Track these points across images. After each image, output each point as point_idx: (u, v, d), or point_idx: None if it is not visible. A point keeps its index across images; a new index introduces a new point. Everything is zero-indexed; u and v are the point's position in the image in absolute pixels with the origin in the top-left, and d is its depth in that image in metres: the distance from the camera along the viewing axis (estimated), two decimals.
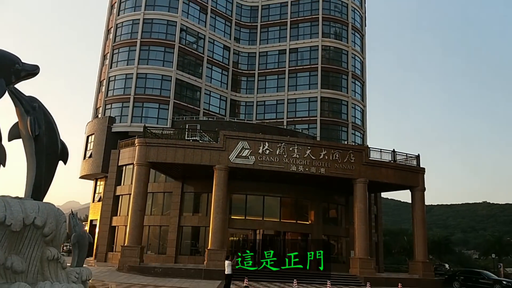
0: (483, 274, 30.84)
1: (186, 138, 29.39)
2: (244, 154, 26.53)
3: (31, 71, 6.42)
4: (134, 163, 27.61)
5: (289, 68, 44.80)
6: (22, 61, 6.29)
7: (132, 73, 38.84)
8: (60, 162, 6.86)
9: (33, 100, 6.38)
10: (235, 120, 40.58)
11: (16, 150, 7.18)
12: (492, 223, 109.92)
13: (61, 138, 6.88)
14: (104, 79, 40.53)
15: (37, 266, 6.36)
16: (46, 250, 6.45)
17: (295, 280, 21.74)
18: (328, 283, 21.38)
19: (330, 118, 42.71)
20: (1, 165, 6.85)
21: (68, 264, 7.00)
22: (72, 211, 7.35)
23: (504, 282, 29.00)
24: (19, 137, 6.56)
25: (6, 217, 5.65)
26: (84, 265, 7.51)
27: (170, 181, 32.62)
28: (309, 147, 27.76)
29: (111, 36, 41.78)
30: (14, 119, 6.75)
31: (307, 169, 27.26)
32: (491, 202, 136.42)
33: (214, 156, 26.57)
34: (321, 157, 27.53)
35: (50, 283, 6.08)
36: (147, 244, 31.14)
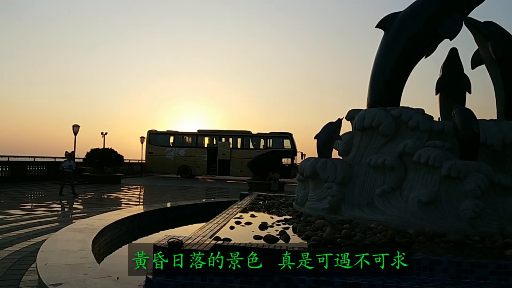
0: None
1: None
2: None
3: None
4: None
5: None
6: None
7: None
8: None
9: (489, 24, 6.71)
10: None
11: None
12: None
13: None
14: None
15: None
16: None
17: None
18: None
19: None
20: (468, 92, 7.81)
21: None
22: None
23: None
24: (481, 64, 7.18)
25: (486, 138, 6.52)
26: None
27: None
28: None
29: None
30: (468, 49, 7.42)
31: None
32: None
33: None
34: None
35: None
36: None
